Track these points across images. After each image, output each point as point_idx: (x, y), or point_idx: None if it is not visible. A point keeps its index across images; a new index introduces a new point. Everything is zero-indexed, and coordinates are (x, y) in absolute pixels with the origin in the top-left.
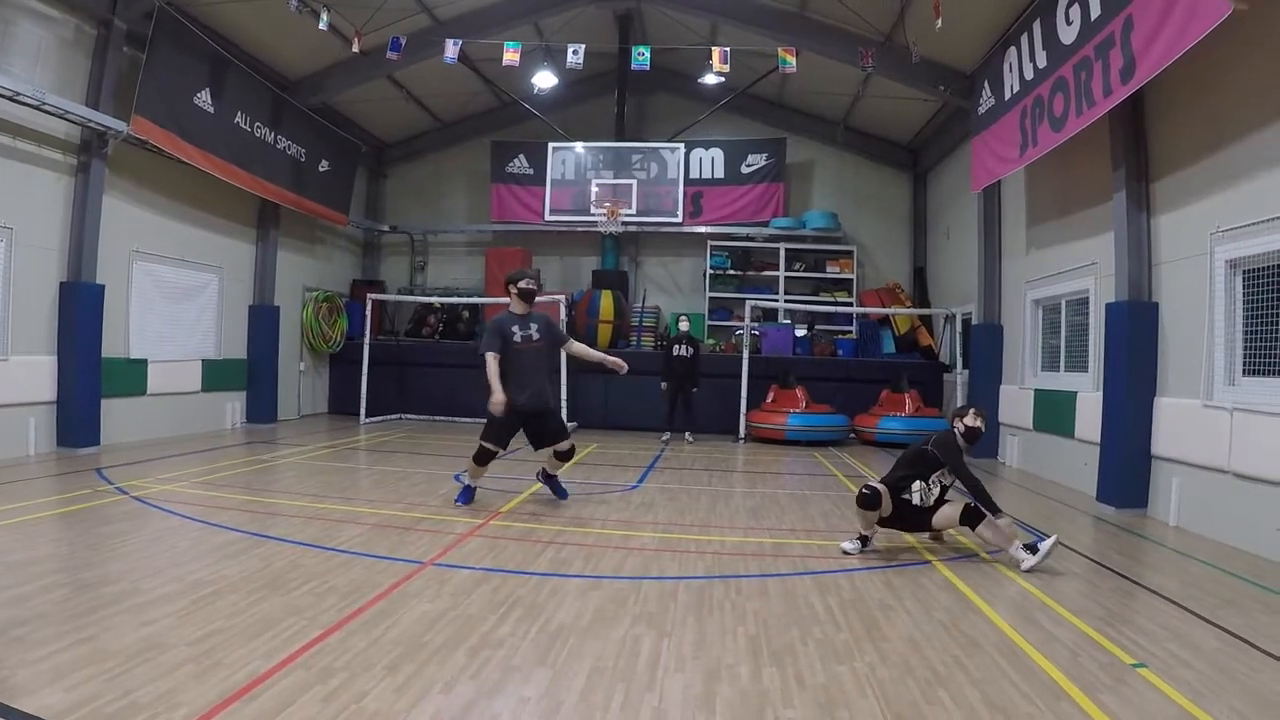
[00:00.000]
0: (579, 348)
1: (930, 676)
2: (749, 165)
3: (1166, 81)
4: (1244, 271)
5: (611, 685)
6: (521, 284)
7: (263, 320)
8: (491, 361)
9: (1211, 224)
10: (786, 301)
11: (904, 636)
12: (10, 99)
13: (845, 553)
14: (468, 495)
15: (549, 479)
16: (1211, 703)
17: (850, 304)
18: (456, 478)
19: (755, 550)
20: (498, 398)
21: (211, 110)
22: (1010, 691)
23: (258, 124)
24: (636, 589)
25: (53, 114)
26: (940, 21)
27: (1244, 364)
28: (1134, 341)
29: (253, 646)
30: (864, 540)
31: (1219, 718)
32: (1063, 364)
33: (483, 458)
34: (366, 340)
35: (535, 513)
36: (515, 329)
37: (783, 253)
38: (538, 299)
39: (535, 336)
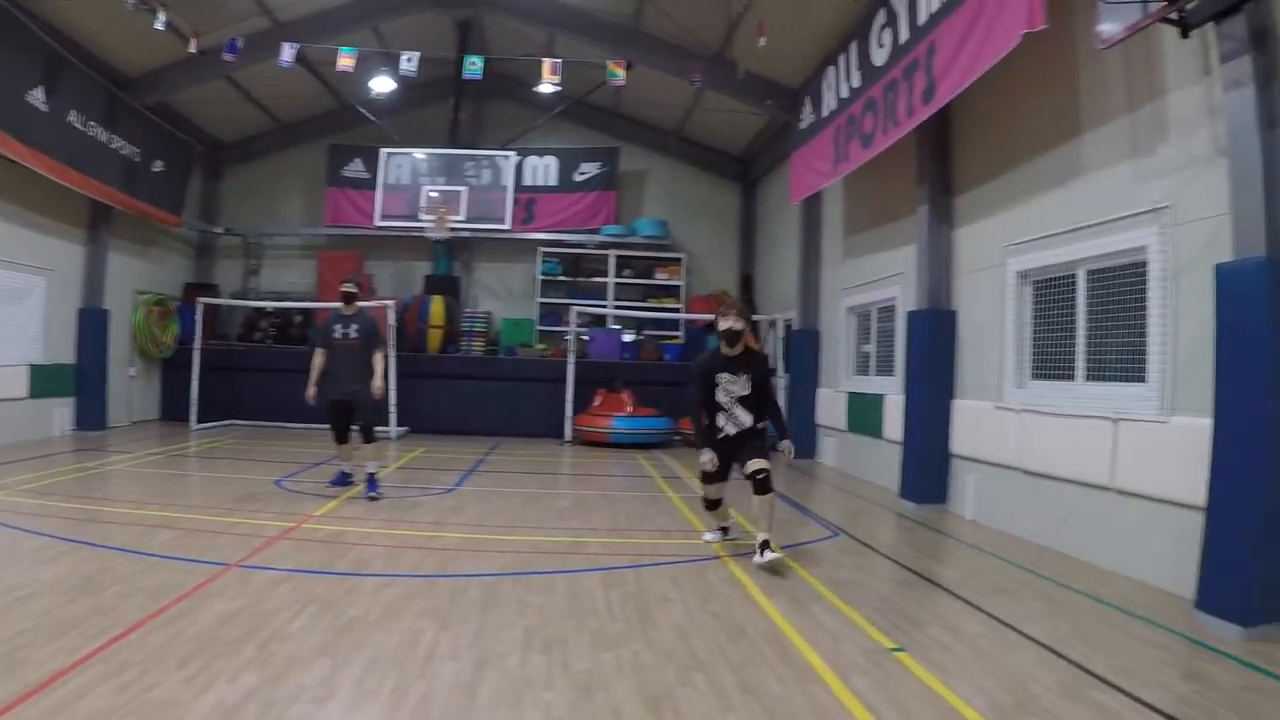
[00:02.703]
0: (377, 360)
1: (690, 662)
2: (582, 173)
3: (970, 104)
4: (1034, 282)
5: (386, 673)
6: (341, 287)
7: (92, 324)
8: (316, 356)
9: (1005, 237)
10: (615, 307)
11: (674, 626)
12: None
13: (707, 542)
14: (341, 479)
15: (368, 476)
16: (960, 683)
17: (678, 310)
18: (278, 484)
19: (553, 549)
20: (309, 391)
21: (45, 108)
22: (765, 675)
23: (91, 123)
24: (429, 586)
25: None
26: (764, 40)
27: (1032, 368)
28: (933, 347)
29: (58, 645)
30: (724, 531)
31: (963, 696)
32: (873, 368)
33: (333, 438)
34: (197, 345)
35: (349, 515)
36: (337, 327)
37: (613, 259)
38: (362, 302)
39: (353, 336)
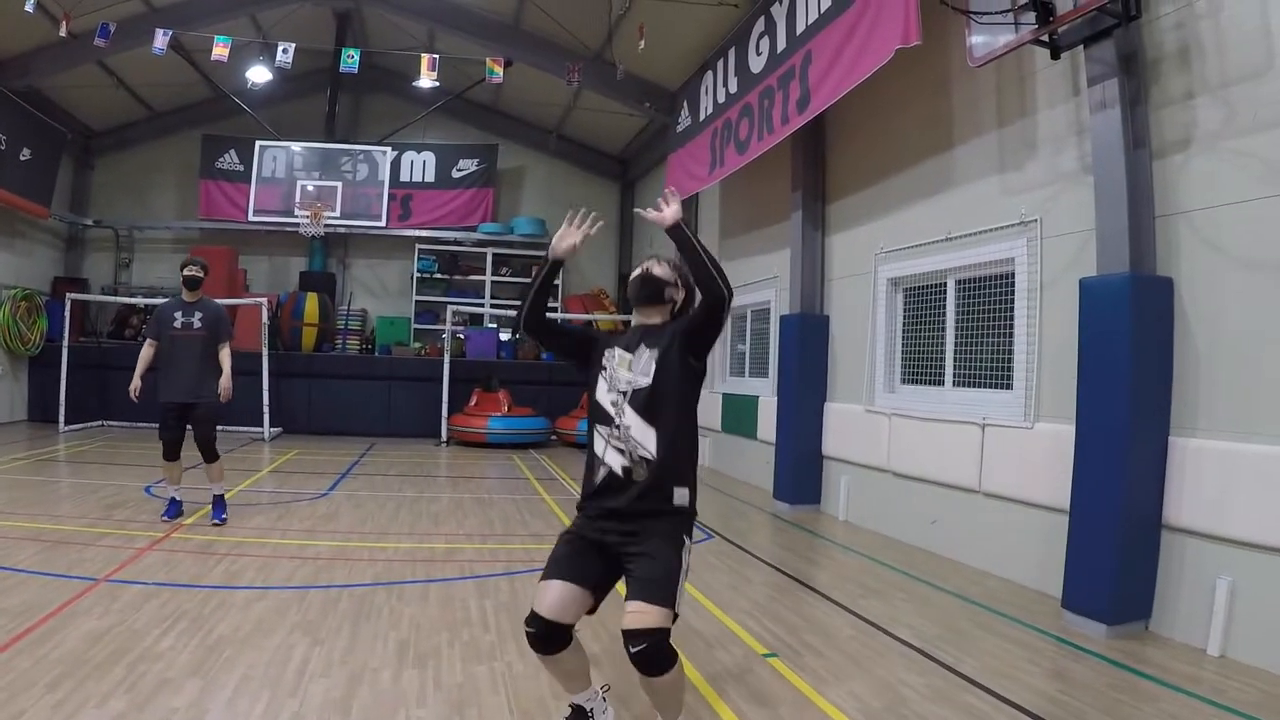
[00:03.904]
0: (225, 354)
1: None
2: (460, 170)
3: (845, 114)
4: (904, 289)
5: (258, 692)
6: (183, 270)
7: None
8: (145, 348)
9: (876, 245)
10: (492, 306)
11: None
12: None
13: None
14: (174, 509)
15: (214, 498)
16: (832, 688)
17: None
18: (148, 489)
19: (427, 556)
20: (133, 384)
21: None
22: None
23: None
24: (301, 598)
25: None
26: (644, 43)
27: (902, 373)
28: (806, 351)
29: None
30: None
31: (834, 701)
32: (747, 370)
33: (163, 452)
34: (65, 342)
35: (220, 525)
36: (177, 315)
37: (490, 257)
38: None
39: (196, 326)
